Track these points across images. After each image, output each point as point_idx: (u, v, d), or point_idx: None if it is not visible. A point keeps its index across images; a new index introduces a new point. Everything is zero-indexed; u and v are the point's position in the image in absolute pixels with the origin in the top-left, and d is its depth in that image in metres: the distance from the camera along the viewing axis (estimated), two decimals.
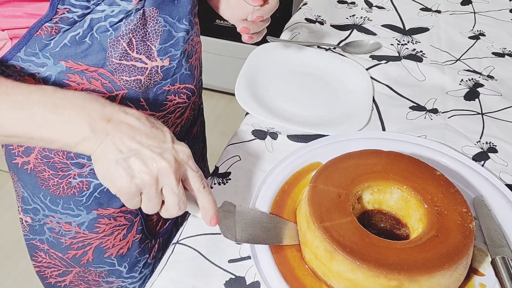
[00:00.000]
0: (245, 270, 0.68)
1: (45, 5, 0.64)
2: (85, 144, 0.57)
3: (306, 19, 1.18)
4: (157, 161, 0.56)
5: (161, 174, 0.57)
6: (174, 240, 0.72)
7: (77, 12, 0.65)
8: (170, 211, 0.60)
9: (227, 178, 0.80)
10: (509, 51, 1.10)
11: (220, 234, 0.72)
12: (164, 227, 0.94)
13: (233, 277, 0.67)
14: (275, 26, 1.09)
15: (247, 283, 0.66)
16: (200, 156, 1.04)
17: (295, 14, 1.22)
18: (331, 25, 1.17)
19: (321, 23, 1.18)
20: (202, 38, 0.95)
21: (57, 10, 0.64)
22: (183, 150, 0.58)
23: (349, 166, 0.73)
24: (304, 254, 0.67)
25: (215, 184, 0.79)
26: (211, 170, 0.83)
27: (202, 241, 0.71)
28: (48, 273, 0.91)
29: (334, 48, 1.08)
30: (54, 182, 0.79)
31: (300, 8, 1.24)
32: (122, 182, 0.57)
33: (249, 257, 0.68)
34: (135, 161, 0.56)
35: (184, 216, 1.00)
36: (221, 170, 0.81)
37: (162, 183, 0.58)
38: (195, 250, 0.70)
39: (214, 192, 0.77)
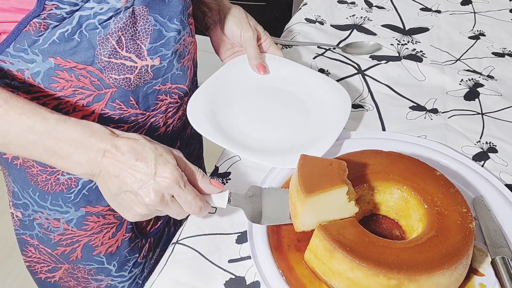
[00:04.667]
0: (245, 270, 0.68)
1: (32, 0, 0.64)
2: (85, 176, 0.66)
3: (306, 19, 1.18)
4: (139, 197, 0.63)
5: (148, 205, 0.63)
6: (174, 240, 0.72)
7: (65, 8, 0.65)
8: (190, 211, 0.66)
9: (227, 178, 0.80)
10: (509, 51, 1.10)
11: (220, 234, 0.72)
12: (156, 226, 0.94)
13: (233, 277, 0.67)
14: (275, 26, 1.09)
15: (247, 283, 0.66)
16: (196, 157, 1.03)
17: (295, 14, 1.22)
18: (331, 25, 1.17)
19: (321, 23, 1.18)
20: (200, 37, 0.95)
21: (45, 6, 0.64)
22: (165, 178, 0.62)
23: (349, 166, 0.73)
24: (296, 226, 0.67)
25: None
26: (210, 170, 0.83)
27: (202, 241, 0.71)
28: (38, 268, 0.91)
29: (334, 49, 1.08)
30: (43, 178, 0.79)
31: (300, 8, 1.24)
32: (122, 214, 0.67)
33: (249, 257, 0.68)
34: (124, 198, 0.64)
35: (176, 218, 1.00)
36: (221, 170, 0.81)
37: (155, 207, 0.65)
38: (194, 250, 0.70)
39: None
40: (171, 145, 0.88)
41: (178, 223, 1.01)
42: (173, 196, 0.64)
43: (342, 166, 0.67)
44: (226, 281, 0.67)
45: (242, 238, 0.71)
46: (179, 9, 0.75)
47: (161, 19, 0.73)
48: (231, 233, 0.72)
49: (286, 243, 0.68)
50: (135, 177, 0.62)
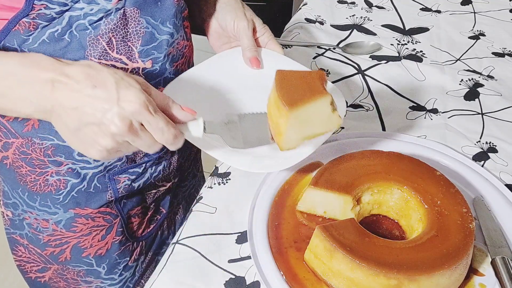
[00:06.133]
0: (245, 270, 0.68)
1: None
2: (39, 115, 0.59)
3: (306, 19, 1.18)
4: (103, 126, 0.56)
5: (115, 135, 0.56)
6: (174, 240, 0.72)
7: (55, 8, 0.64)
8: (163, 140, 0.60)
9: (227, 178, 0.79)
10: (509, 51, 1.10)
11: (220, 234, 0.72)
12: (148, 230, 0.93)
13: (233, 277, 0.67)
14: (275, 26, 1.09)
15: (247, 283, 0.66)
16: (193, 160, 1.02)
17: (295, 14, 1.22)
18: (331, 25, 1.17)
19: (321, 23, 1.18)
20: (199, 37, 0.94)
21: (34, 5, 0.63)
22: (130, 101, 0.55)
23: (350, 167, 0.73)
24: (280, 145, 0.62)
25: (215, 184, 0.79)
26: (210, 170, 0.83)
27: (202, 241, 0.71)
28: (28, 268, 0.91)
29: (334, 49, 1.08)
30: (31, 178, 0.78)
31: (300, 8, 1.24)
32: (85, 152, 0.59)
33: (249, 257, 0.68)
34: (86, 132, 0.57)
35: (170, 220, 0.98)
36: (221, 170, 0.81)
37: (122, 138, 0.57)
38: (194, 250, 0.70)
39: (214, 191, 0.77)
40: (163, 149, 0.85)
41: (172, 226, 0.99)
42: (142, 125, 0.57)
43: (322, 76, 0.63)
44: (226, 281, 0.66)
45: (242, 238, 0.71)
46: (172, 12, 0.74)
47: (153, 22, 0.72)
48: (231, 233, 0.72)
49: (286, 243, 0.68)
50: (96, 105, 0.55)
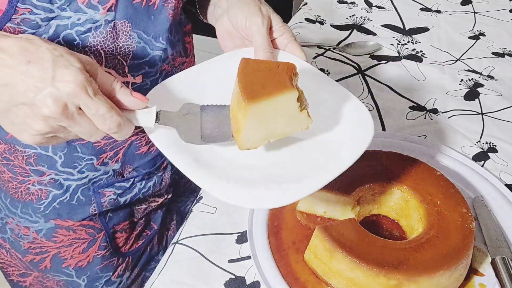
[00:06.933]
0: (245, 270, 0.68)
1: (5, 0, 0.59)
2: None
3: (306, 19, 1.18)
4: (35, 108, 0.50)
5: (48, 118, 0.51)
6: (174, 240, 0.72)
7: (40, 14, 0.62)
8: (105, 128, 0.53)
9: None
10: (509, 51, 1.10)
11: (220, 234, 0.72)
12: (136, 245, 0.90)
13: (233, 277, 0.67)
14: None
15: (247, 283, 0.66)
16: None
17: (295, 14, 1.22)
18: (331, 25, 1.17)
19: (321, 23, 1.18)
20: (199, 37, 0.93)
21: (17, 8, 0.60)
22: (66, 82, 0.49)
23: (350, 167, 0.73)
24: (239, 143, 0.55)
25: None
26: None
27: (201, 241, 0.71)
28: (10, 271, 0.89)
29: (334, 49, 1.08)
30: (13, 185, 0.76)
31: (300, 8, 1.24)
32: (17, 136, 0.53)
33: (249, 257, 0.68)
34: (17, 113, 0.51)
35: (162, 236, 0.95)
36: None
37: (57, 122, 0.52)
38: (194, 250, 0.70)
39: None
40: (154, 164, 0.84)
41: (163, 242, 0.96)
42: (81, 109, 0.51)
43: (292, 69, 0.56)
44: (226, 281, 0.66)
45: (242, 238, 0.71)
46: (165, 27, 0.71)
47: (145, 37, 0.69)
48: (231, 233, 0.72)
49: (286, 243, 0.68)
50: (28, 84, 0.49)
